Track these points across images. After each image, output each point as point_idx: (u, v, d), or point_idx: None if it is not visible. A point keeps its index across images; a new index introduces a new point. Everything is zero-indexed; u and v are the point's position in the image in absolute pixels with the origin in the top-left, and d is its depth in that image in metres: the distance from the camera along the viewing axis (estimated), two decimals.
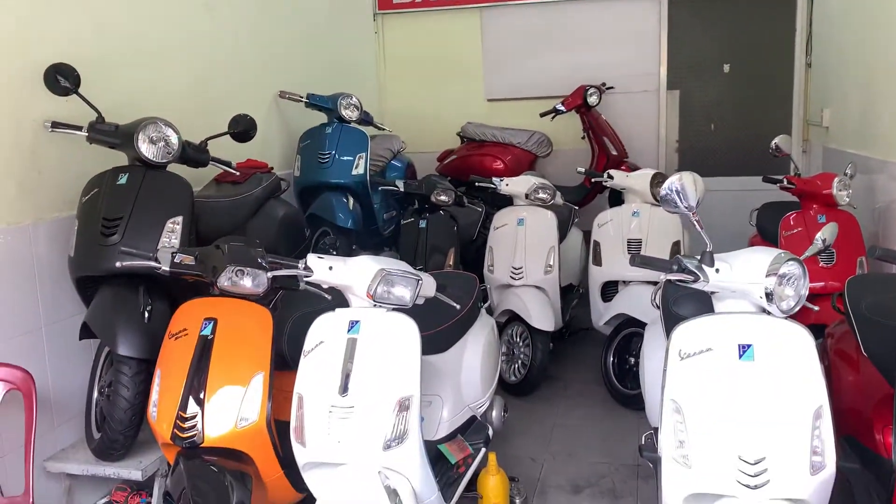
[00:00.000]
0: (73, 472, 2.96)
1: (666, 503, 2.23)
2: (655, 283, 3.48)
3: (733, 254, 2.20)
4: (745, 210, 4.70)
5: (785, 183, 4.11)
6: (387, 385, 2.37)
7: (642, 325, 3.78)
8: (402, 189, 4.59)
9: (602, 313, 4.30)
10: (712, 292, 2.22)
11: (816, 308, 2.45)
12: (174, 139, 3.06)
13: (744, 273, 2.13)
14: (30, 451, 2.54)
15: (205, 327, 2.59)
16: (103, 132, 3.04)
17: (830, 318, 3.28)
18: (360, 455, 2.31)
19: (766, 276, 2.10)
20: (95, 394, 2.97)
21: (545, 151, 6.09)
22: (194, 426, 2.46)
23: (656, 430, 2.52)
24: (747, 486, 2.01)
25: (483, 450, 3.00)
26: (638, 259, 2.25)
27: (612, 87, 6.13)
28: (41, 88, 2.97)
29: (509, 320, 4.42)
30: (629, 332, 4.15)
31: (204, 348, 2.56)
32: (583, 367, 4.65)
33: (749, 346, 2.12)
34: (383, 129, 5.36)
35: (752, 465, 2.01)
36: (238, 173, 3.56)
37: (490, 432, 3.14)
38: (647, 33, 6.24)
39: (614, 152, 5.88)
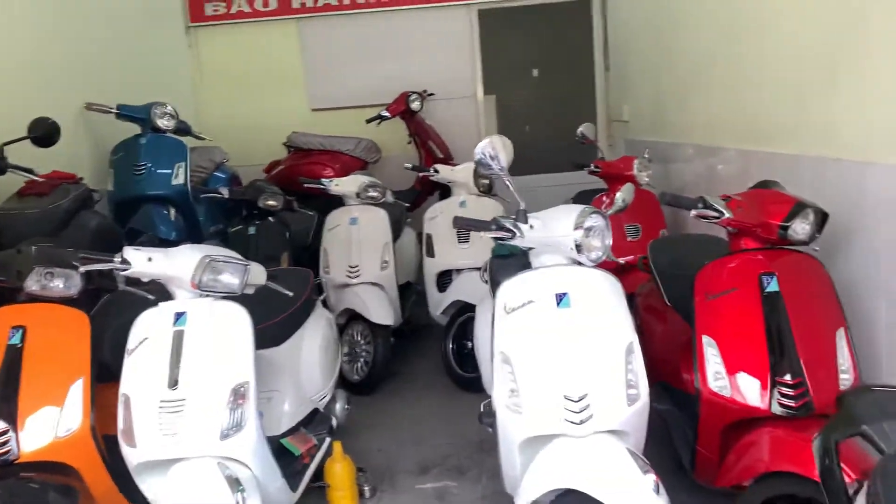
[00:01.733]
0: None
1: (503, 452, 2.35)
2: None
3: (544, 212, 2.37)
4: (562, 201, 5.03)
5: (592, 167, 4.45)
6: (219, 374, 2.31)
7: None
8: (226, 195, 4.47)
9: (438, 303, 4.42)
10: (529, 248, 2.37)
11: (622, 261, 2.67)
12: None
13: (555, 227, 2.30)
14: None
15: (12, 336, 2.40)
16: None
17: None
18: (197, 447, 2.23)
19: (574, 229, 2.27)
20: None
21: (374, 157, 6.17)
22: (6, 442, 2.27)
23: (492, 398, 2.64)
24: (573, 423, 2.15)
25: (327, 440, 2.99)
26: (458, 222, 2.36)
27: (433, 94, 6.34)
28: None
29: (349, 320, 4.42)
30: (465, 318, 4.29)
31: (13, 359, 2.37)
32: (425, 361, 4.73)
33: (565, 294, 2.28)
34: (203, 139, 5.19)
35: (576, 402, 2.16)
36: (40, 179, 3.32)
37: (333, 422, 3.12)
38: (461, 41, 6.53)
39: (440, 155, 6.07)
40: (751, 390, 2.27)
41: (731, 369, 2.30)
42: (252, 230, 4.54)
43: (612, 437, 2.16)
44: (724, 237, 2.63)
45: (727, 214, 2.36)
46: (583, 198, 4.78)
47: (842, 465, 1.38)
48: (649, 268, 3.16)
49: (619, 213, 2.66)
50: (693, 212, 2.41)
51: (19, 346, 2.38)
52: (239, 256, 2.46)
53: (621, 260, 3.98)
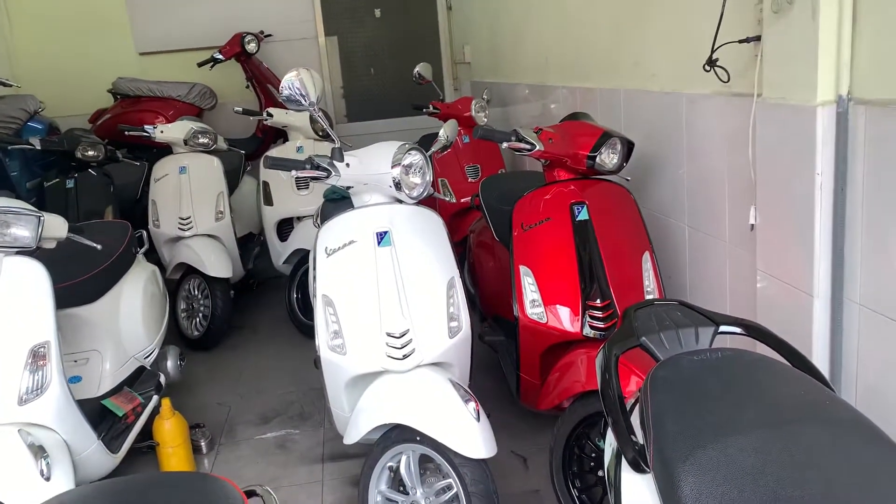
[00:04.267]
0: None
1: (330, 394, 2.33)
2: None
3: (362, 150, 2.32)
4: None
5: (431, 109, 4.43)
6: (14, 335, 2.12)
7: None
8: (38, 147, 4.09)
9: (280, 252, 4.31)
10: (348, 187, 2.32)
11: (451, 199, 2.68)
12: None
13: (373, 165, 2.26)
14: None
15: None
16: None
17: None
18: None
19: (393, 166, 2.24)
20: None
21: (209, 103, 5.86)
22: None
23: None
24: (396, 359, 2.16)
25: (155, 397, 2.85)
26: (268, 161, 2.27)
27: (270, 35, 6.08)
28: None
29: (185, 275, 4.22)
30: (308, 267, 4.20)
31: None
32: (270, 312, 4.62)
33: (386, 232, 2.26)
34: (11, 86, 4.71)
35: (398, 338, 2.17)
36: None
37: (162, 379, 2.98)
38: None
39: (280, 100, 5.85)
40: (564, 316, 2.37)
41: (547, 297, 2.39)
42: (70, 184, 4.20)
43: (434, 370, 2.19)
44: None
45: (538, 146, 2.41)
46: (426, 141, 4.76)
47: (628, 377, 1.46)
48: (480, 205, 3.20)
49: (443, 151, 2.65)
50: (505, 144, 2.44)
51: None
52: (31, 208, 2.25)
53: (461, 200, 4.03)
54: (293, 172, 2.21)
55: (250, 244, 4.77)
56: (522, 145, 2.41)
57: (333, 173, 2.22)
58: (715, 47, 2.15)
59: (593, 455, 2.31)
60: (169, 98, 5.65)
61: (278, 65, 6.05)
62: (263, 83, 5.89)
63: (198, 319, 4.17)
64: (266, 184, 4.36)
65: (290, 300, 4.24)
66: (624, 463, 1.27)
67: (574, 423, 2.30)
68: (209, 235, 4.19)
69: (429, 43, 6.55)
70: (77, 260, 2.70)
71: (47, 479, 1.99)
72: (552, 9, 3.89)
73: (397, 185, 2.25)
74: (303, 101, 2.16)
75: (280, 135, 5.68)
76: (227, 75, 5.95)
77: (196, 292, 4.20)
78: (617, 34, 3.10)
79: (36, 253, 2.26)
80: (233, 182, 4.59)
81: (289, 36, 6.26)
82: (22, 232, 2.19)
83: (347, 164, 2.25)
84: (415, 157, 2.29)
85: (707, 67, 2.17)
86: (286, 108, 5.36)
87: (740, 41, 2.08)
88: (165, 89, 5.65)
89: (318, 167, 2.22)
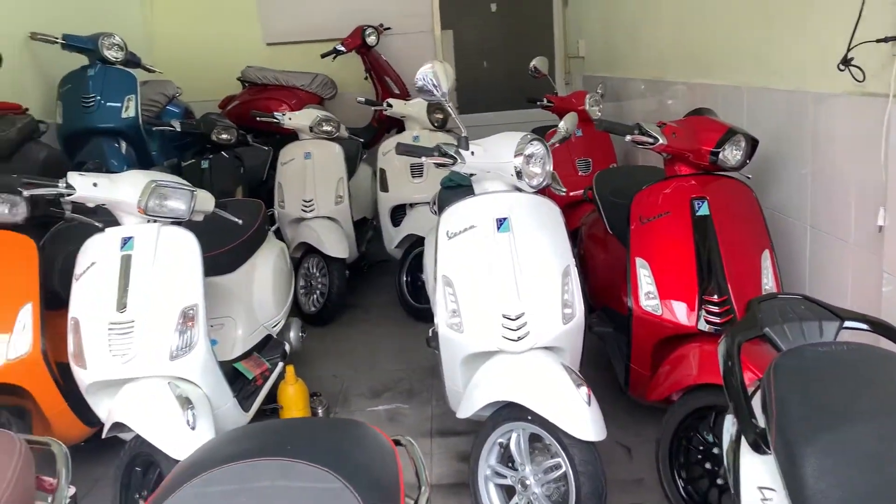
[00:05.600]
0: None
1: (446, 370, 2.46)
2: None
3: (487, 139, 2.42)
4: None
5: (545, 102, 4.49)
6: (168, 297, 2.35)
7: None
8: (178, 128, 4.43)
9: (393, 237, 4.48)
10: (471, 175, 2.43)
11: (565, 190, 2.75)
12: None
13: (496, 154, 2.36)
14: None
15: None
16: None
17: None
18: (147, 368, 2.29)
19: (515, 155, 2.33)
20: None
21: (330, 93, 6.12)
22: None
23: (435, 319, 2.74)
24: (511, 340, 2.26)
25: (280, 364, 3.07)
26: (400, 147, 2.40)
27: (389, 28, 6.27)
28: None
29: (305, 253, 4.47)
30: (419, 252, 4.36)
31: None
32: (380, 294, 4.82)
33: (505, 219, 2.36)
34: (154, 72, 5.09)
35: (513, 320, 2.26)
36: None
37: (287, 348, 3.20)
38: None
39: (396, 91, 6.04)
40: (679, 309, 2.39)
41: (662, 289, 2.42)
42: (205, 164, 4.52)
43: (547, 353, 2.27)
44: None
45: (661, 140, 2.44)
46: (537, 134, 4.83)
47: (745, 366, 1.50)
48: (593, 198, 3.25)
49: (562, 142, 2.72)
50: (628, 137, 2.49)
51: None
52: (186, 183, 2.48)
53: (571, 193, 4.08)
54: (423, 158, 2.34)
55: (364, 228, 4.98)
56: (645, 139, 2.45)
57: (459, 160, 2.34)
58: (851, 46, 2.12)
59: (701, 448, 2.33)
60: (293, 87, 5.94)
61: (395, 57, 6.25)
62: (381, 74, 6.09)
63: (315, 296, 4.41)
64: (383, 171, 4.54)
65: (400, 283, 4.41)
66: (744, 445, 1.32)
67: (683, 415, 2.33)
68: (329, 218, 4.42)
69: (542, 37, 6.59)
70: (218, 233, 2.93)
71: (193, 428, 2.20)
72: (671, 2, 3.87)
73: (518, 174, 2.34)
74: (435, 92, 2.29)
75: (394, 125, 5.88)
76: (346, 66, 6.19)
77: (314, 270, 4.44)
78: (739, 29, 3.07)
79: (188, 224, 2.50)
80: (351, 168, 4.79)
81: (406, 29, 6.44)
82: (178, 204, 2.42)
83: (472, 153, 2.36)
84: (536, 148, 2.37)
85: (842, 66, 2.15)
86: (404, 99, 5.61)
87: (878, 41, 2.05)
88: (290, 78, 5.94)
89: (445, 154, 2.34)
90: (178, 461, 2.11)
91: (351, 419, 1.27)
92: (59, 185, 2.31)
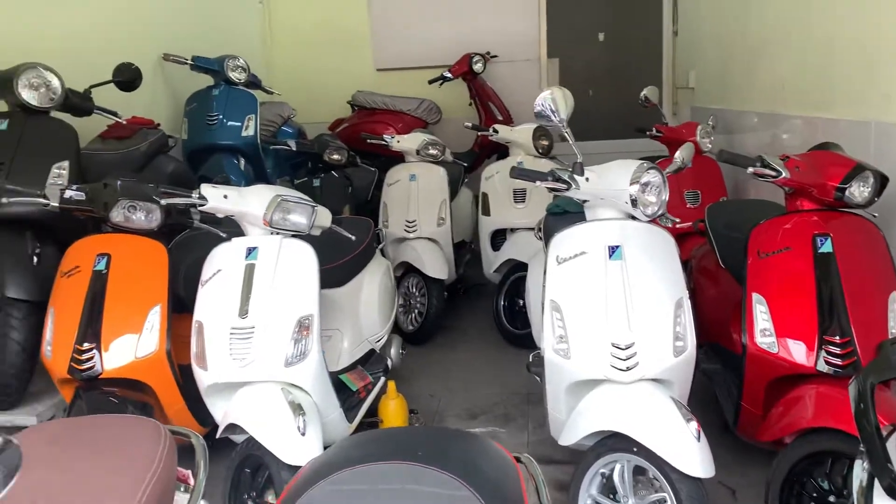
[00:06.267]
0: None
1: (549, 396, 2.45)
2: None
3: (602, 165, 2.42)
4: None
5: (654, 132, 4.45)
6: (286, 306, 2.46)
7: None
8: (293, 148, 4.63)
9: (492, 261, 4.51)
10: (584, 200, 2.43)
11: (677, 220, 2.71)
12: (56, 84, 3.02)
13: (611, 181, 2.36)
14: None
15: (98, 263, 2.59)
16: None
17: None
18: (263, 372, 2.40)
19: (630, 183, 2.33)
20: None
21: (435, 118, 6.25)
22: (92, 358, 2.47)
23: (541, 349, 2.73)
24: (619, 369, 2.23)
25: (382, 379, 3.13)
26: (515, 172, 2.43)
27: (496, 56, 6.37)
28: None
29: (405, 273, 4.56)
30: (517, 277, 4.37)
31: (98, 283, 2.56)
32: (477, 317, 4.84)
33: (618, 247, 2.35)
34: (272, 93, 5.36)
35: (623, 349, 2.24)
36: (124, 121, 3.52)
37: (389, 363, 3.27)
38: (527, 4, 6.52)
39: (500, 117, 6.12)
40: (797, 348, 2.30)
41: (780, 327, 2.34)
42: (317, 183, 4.70)
43: (656, 385, 2.24)
44: (782, 202, 2.64)
45: (784, 174, 2.37)
46: None
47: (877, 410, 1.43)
48: (705, 230, 3.18)
49: (677, 173, 2.69)
50: (750, 169, 2.43)
51: (104, 272, 2.57)
52: (308, 198, 2.59)
53: (678, 224, 4.00)
54: (538, 183, 2.37)
55: (462, 251, 5.04)
56: (768, 171, 2.39)
57: (573, 186, 2.35)
58: None
59: (815, 494, 2.23)
60: (400, 111, 6.11)
61: (500, 84, 6.33)
62: (485, 101, 6.19)
63: (413, 315, 4.48)
64: (485, 195, 4.59)
65: (497, 307, 4.42)
66: (877, 490, 1.26)
67: (796, 459, 2.23)
68: (430, 239, 4.50)
69: (650, 67, 6.53)
70: (330, 248, 3.04)
71: (303, 434, 2.28)
72: (793, 34, 3.77)
73: (633, 202, 2.33)
74: (553, 118, 2.32)
75: (495, 150, 5.95)
76: (451, 92, 6.31)
77: (414, 290, 4.52)
78: (867, 62, 2.96)
79: (306, 237, 2.60)
80: (453, 191, 4.87)
81: (513, 57, 6.52)
82: (300, 219, 2.53)
83: (587, 179, 2.37)
84: (653, 176, 2.36)
85: None
86: (507, 125, 5.68)
87: None
88: (397, 103, 6.12)
89: (559, 179, 2.36)
90: (287, 465, 2.20)
91: (475, 432, 1.29)
92: (193, 195, 2.46)
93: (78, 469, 1.17)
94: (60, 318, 2.54)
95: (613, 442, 2.21)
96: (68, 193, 2.58)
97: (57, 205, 2.57)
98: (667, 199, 2.38)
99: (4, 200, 2.61)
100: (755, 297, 2.41)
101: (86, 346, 2.48)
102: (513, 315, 4.39)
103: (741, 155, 2.49)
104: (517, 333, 4.28)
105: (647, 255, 2.35)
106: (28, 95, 2.95)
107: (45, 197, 2.58)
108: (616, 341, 2.25)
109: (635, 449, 2.14)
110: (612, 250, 2.35)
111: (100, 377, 2.48)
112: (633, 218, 2.40)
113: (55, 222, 2.83)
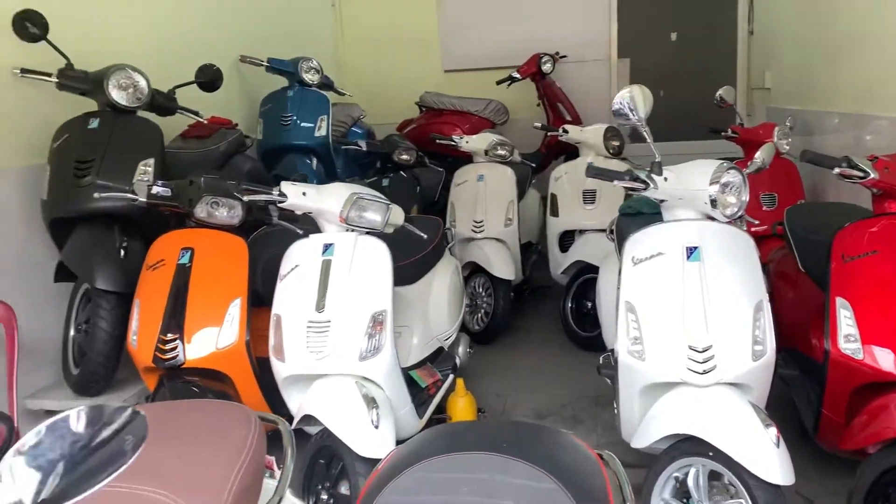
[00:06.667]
0: (52, 409, 3.02)
1: (622, 398, 2.42)
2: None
3: (680, 165, 2.39)
4: None
5: (729, 132, 4.35)
6: (361, 301, 2.50)
7: (598, 271, 3.97)
8: (364, 148, 4.71)
9: (560, 263, 4.48)
10: (661, 200, 2.40)
11: (756, 222, 2.65)
12: (143, 84, 3.15)
13: (689, 181, 2.32)
14: (13, 381, 2.60)
15: (182, 256, 2.69)
16: (73, 78, 3.11)
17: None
18: (338, 366, 2.45)
19: (710, 184, 2.29)
20: (72, 331, 3.04)
21: (502, 119, 6.25)
22: (175, 348, 2.57)
23: (612, 350, 2.71)
24: (696, 373, 2.20)
25: (451, 376, 3.16)
26: (591, 171, 2.42)
27: (565, 56, 6.33)
28: (9, 35, 3.01)
29: (472, 273, 4.57)
30: (586, 279, 4.33)
31: (182, 276, 2.66)
32: (543, 318, 4.82)
33: (696, 248, 2.31)
34: (344, 94, 5.45)
35: (700, 352, 2.20)
36: (205, 120, 3.64)
37: (457, 361, 3.29)
38: (597, 3, 6.46)
39: (568, 118, 6.08)
40: (884, 356, 2.22)
41: (865, 332, 2.26)
42: (385, 183, 4.76)
43: (734, 389, 2.19)
44: (864, 205, 2.55)
45: (873, 175, 2.29)
46: None
47: None
48: (784, 234, 3.10)
49: (757, 173, 2.63)
50: (836, 170, 2.36)
51: (188, 265, 2.67)
52: (383, 197, 2.63)
53: (754, 228, 3.90)
54: (615, 182, 2.35)
55: (529, 252, 5.03)
56: (854, 172, 2.32)
57: (651, 185, 2.32)
58: None
59: None
60: (467, 112, 6.13)
61: (569, 85, 6.30)
62: (554, 101, 6.16)
63: (480, 315, 4.49)
64: (554, 196, 4.57)
65: (564, 309, 4.40)
66: None
67: (882, 469, 2.15)
68: (497, 239, 4.50)
69: (723, 68, 6.39)
70: (402, 246, 3.08)
71: (376, 427, 2.32)
72: (882, 32, 3.63)
73: (712, 203, 2.29)
74: (631, 116, 2.30)
75: (563, 151, 5.91)
76: (518, 93, 6.30)
77: (480, 290, 4.53)
78: None
79: (380, 235, 2.65)
80: (520, 192, 4.86)
81: (582, 57, 6.48)
82: (375, 216, 2.58)
83: (665, 178, 2.33)
84: (733, 177, 2.31)
85: None
86: (577, 126, 5.63)
87: None
88: (465, 104, 6.14)
89: (636, 179, 2.33)
90: (361, 457, 2.24)
91: (556, 427, 1.30)
92: (274, 192, 2.53)
93: (176, 449, 1.22)
94: (146, 310, 2.64)
95: (688, 446, 2.18)
96: (155, 189, 2.69)
97: (144, 200, 2.68)
98: (747, 199, 2.34)
99: (96, 195, 2.74)
100: (839, 301, 2.34)
101: (169, 336, 2.57)
102: (580, 317, 4.35)
103: (826, 155, 2.42)
104: (584, 336, 4.25)
105: (727, 256, 2.31)
106: (117, 95, 3.08)
107: (133, 192, 2.69)
108: (693, 344, 2.21)
109: (711, 453, 2.10)
110: (691, 251, 2.31)
111: (182, 367, 2.58)
112: (712, 219, 2.35)
113: (141, 217, 2.96)
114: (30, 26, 3.01)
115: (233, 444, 1.24)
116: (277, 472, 1.42)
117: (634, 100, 2.27)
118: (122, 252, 2.93)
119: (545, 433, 1.23)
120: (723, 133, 4.40)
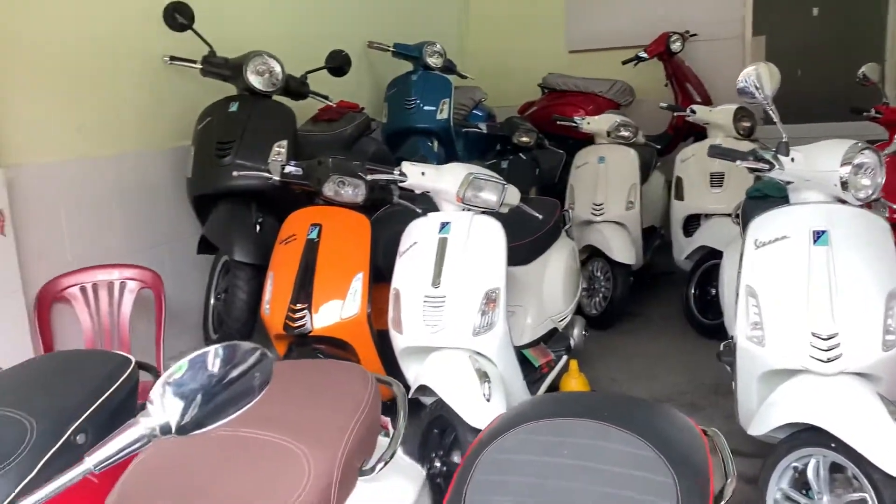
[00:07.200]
0: None
1: (740, 385, 2.37)
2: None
3: (809, 145, 2.29)
4: None
5: (872, 113, 4.07)
6: (475, 278, 2.57)
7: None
8: (484, 130, 4.76)
9: (684, 248, 4.36)
10: (788, 182, 2.31)
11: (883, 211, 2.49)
12: (278, 70, 3.35)
13: (819, 162, 2.22)
14: (160, 342, 2.88)
15: (311, 232, 2.86)
16: (216, 65, 3.35)
17: None
18: (452, 339, 2.53)
19: (842, 165, 2.18)
20: (212, 300, 3.30)
21: (627, 100, 6.12)
22: (304, 317, 2.74)
23: (732, 337, 2.64)
24: (819, 360, 2.11)
25: (564, 357, 3.18)
26: (713, 150, 2.36)
27: (695, 35, 6.10)
28: (160, 25, 3.28)
29: (591, 256, 4.54)
30: (710, 265, 4.20)
31: (311, 250, 2.83)
32: (663, 306, 4.72)
33: (823, 231, 2.21)
34: (466, 78, 5.53)
35: (824, 339, 2.11)
36: (334, 104, 3.82)
37: (571, 342, 3.30)
38: None
39: (698, 99, 5.86)
40: None
41: None
42: (504, 165, 4.80)
43: (860, 380, 2.09)
44: None
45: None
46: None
47: None
48: None
49: None
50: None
51: (316, 240, 2.84)
52: (499, 177, 2.69)
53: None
54: (738, 163, 2.28)
55: (652, 237, 4.92)
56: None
57: (777, 166, 2.24)
58: None
59: None
60: (591, 93, 6.04)
61: (700, 64, 6.06)
62: (683, 81, 5.96)
63: (597, 299, 4.46)
64: (679, 179, 4.45)
65: (687, 296, 4.28)
66: None
67: None
68: (617, 223, 4.44)
69: (868, 44, 5.94)
70: (518, 226, 3.12)
71: (488, 400, 2.39)
72: None
73: (843, 185, 2.18)
74: (757, 94, 2.22)
75: (690, 134, 5.72)
76: (645, 73, 6.14)
77: (599, 274, 4.49)
78: None
79: (495, 214, 2.70)
80: (644, 175, 4.76)
81: (713, 35, 6.21)
82: (490, 196, 2.63)
83: (792, 159, 2.25)
84: (868, 157, 2.20)
85: None
86: (708, 106, 5.44)
87: None
88: (589, 85, 6.06)
89: (761, 159, 2.26)
90: (473, 427, 2.32)
91: (653, 400, 1.31)
92: (395, 172, 2.64)
93: (298, 401, 1.34)
94: (278, 281, 2.84)
95: (809, 436, 2.10)
96: (288, 169, 2.87)
97: (278, 178, 2.87)
98: (882, 182, 2.21)
99: (235, 174, 2.95)
100: None
101: (299, 306, 2.75)
102: (703, 305, 4.23)
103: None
104: (708, 324, 4.13)
105: (857, 241, 2.19)
106: (255, 80, 3.30)
107: (268, 171, 2.89)
108: (817, 331, 2.13)
109: (833, 445, 2.02)
110: (818, 235, 2.21)
111: (309, 335, 2.75)
112: (843, 202, 2.24)
113: (275, 195, 3.16)
114: (178, 17, 3.27)
115: (351, 400, 1.34)
116: (392, 432, 1.52)
117: (760, 77, 2.19)
118: (258, 227, 3.15)
119: (647, 406, 1.25)
120: (865, 113, 4.12)
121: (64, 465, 0.76)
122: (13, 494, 0.69)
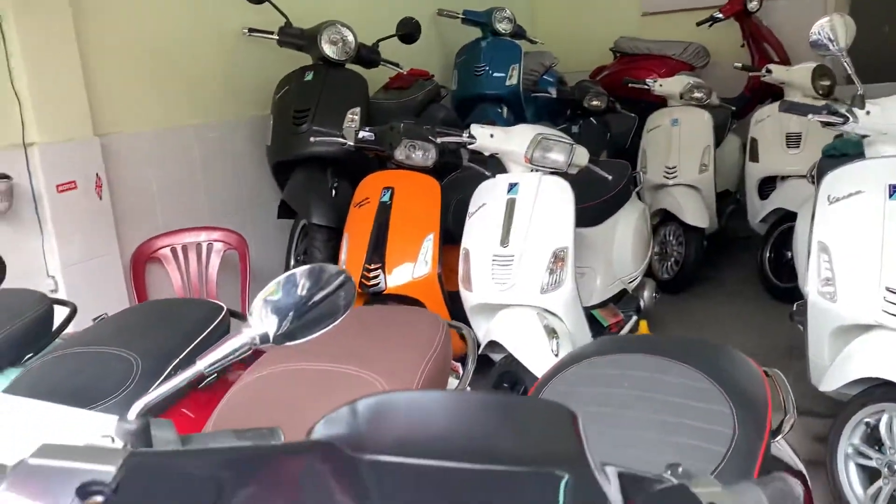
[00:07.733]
0: None
1: (811, 341, 2.36)
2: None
3: (887, 98, 2.23)
4: None
5: None
6: (543, 237, 2.63)
7: None
8: (554, 95, 4.76)
9: (758, 210, 4.29)
10: (863, 136, 2.26)
11: None
12: (351, 39, 3.45)
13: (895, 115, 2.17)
14: (245, 301, 3.05)
15: (384, 195, 2.97)
16: (291, 35, 3.48)
17: None
18: (521, 297, 2.60)
19: None
20: (292, 261, 3.46)
21: (702, 62, 5.97)
22: (378, 276, 2.86)
23: (806, 297, 2.61)
24: (894, 315, 2.08)
25: (634, 318, 3.20)
26: (785, 105, 2.33)
27: None
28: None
29: (663, 220, 4.51)
30: (786, 228, 4.12)
31: (383, 212, 2.94)
32: (737, 270, 4.66)
33: None
34: (536, 43, 5.51)
35: None
36: (405, 71, 3.90)
37: (641, 304, 3.32)
38: None
39: (776, 59, 5.67)
40: None
41: None
42: (575, 129, 4.79)
43: None
44: None
45: None
46: None
47: None
48: None
49: None
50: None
51: (389, 203, 2.95)
52: (567, 137, 2.72)
53: None
54: (810, 117, 2.25)
55: (726, 200, 4.84)
56: None
57: (851, 120, 2.20)
58: None
59: None
60: (664, 56, 5.92)
61: (778, 23, 5.86)
62: (760, 42, 5.77)
63: (669, 263, 4.44)
64: (754, 140, 4.36)
65: (762, 259, 4.22)
66: None
67: None
68: (691, 186, 4.39)
69: None
70: (588, 188, 3.14)
71: (556, 355, 2.45)
72: None
73: None
74: (831, 47, 2.18)
75: (768, 95, 5.55)
76: (720, 34, 5.97)
77: (671, 238, 4.46)
78: None
79: (564, 175, 2.74)
80: (718, 138, 4.67)
81: None
82: (558, 156, 2.67)
83: (868, 112, 2.20)
84: None
85: None
86: (786, 66, 5.27)
87: None
88: (662, 48, 5.93)
89: (835, 113, 2.22)
90: None
91: (710, 341, 1.36)
92: (464, 135, 2.71)
93: (376, 340, 1.44)
94: (353, 242, 2.96)
95: (883, 391, 2.09)
96: (361, 134, 2.97)
97: (352, 144, 2.98)
98: None
99: (312, 140, 3.08)
100: None
101: (373, 266, 2.87)
102: (778, 268, 4.16)
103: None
104: (782, 287, 4.06)
105: None
106: (329, 50, 3.41)
107: (343, 137, 3.00)
108: (891, 285, 2.10)
109: None
110: (894, 190, 2.17)
111: (383, 293, 2.87)
112: None
113: (349, 160, 3.27)
114: None
115: (424, 340, 1.44)
116: (461, 374, 1.61)
117: (835, 28, 2.15)
118: (334, 191, 3.28)
119: (708, 344, 1.29)
120: None
121: None
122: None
